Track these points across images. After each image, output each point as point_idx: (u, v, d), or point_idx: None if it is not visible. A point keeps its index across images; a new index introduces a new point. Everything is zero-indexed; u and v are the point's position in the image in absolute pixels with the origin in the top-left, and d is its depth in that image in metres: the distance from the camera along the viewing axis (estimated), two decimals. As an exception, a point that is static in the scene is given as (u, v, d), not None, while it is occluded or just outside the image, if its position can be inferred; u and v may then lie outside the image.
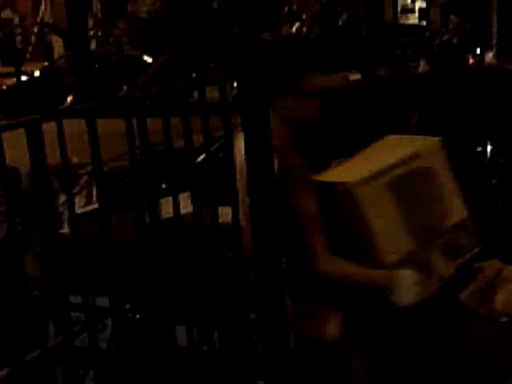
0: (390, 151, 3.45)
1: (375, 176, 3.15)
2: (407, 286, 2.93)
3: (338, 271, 2.93)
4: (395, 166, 3.24)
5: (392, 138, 3.70)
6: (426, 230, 3.28)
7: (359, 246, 3.06)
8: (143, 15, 18.38)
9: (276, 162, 2.55)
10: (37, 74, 13.79)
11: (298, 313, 2.69)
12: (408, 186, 3.25)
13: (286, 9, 13.52)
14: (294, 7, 13.56)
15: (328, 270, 2.88)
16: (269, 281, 2.58)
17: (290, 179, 2.80)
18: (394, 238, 3.11)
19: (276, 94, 2.87)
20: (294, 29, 13.66)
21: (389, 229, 3.10)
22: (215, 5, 12.86)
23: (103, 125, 3.34)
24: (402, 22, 21.94)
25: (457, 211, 3.42)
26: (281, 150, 2.68)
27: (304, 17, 13.67)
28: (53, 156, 2.29)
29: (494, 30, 16.67)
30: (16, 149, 2.71)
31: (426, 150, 3.45)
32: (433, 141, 3.54)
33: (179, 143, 2.70)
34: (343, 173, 3.21)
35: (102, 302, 2.61)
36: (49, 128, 2.20)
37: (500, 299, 3.42)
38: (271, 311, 2.61)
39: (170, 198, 2.68)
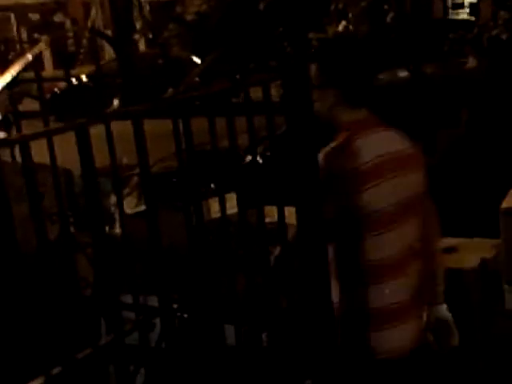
0: None
1: None
2: None
3: None
4: None
5: None
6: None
7: None
8: (191, 16, 18.52)
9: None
10: (84, 78, 14.01)
11: None
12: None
13: (332, 7, 13.43)
14: (340, 5, 13.46)
15: None
16: (314, 277, 2.59)
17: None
18: None
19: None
20: (340, 27, 13.57)
21: None
22: (261, 6, 12.89)
23: (153, 125, 3.37)
24: (452, 17, 21.65)
25: None
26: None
27: (350, 15, 13.57)
28: (105, 157, 2.34)
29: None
30: (70, 150, 2.77)
31: None
32: None
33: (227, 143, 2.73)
34: None
35: (153, 301, 2.65)
36: (103, 129, 2.24)
37: None
38: (317, 310, 2.62)
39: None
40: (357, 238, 2.74)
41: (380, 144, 2.77)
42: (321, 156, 2.66)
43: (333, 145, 2.78)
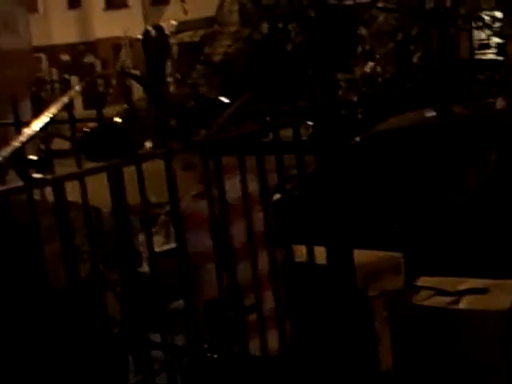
0: None
1: None
2: None
3: None
4: None
5: None
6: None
7: None
8: (218, 57, 18.70)
9: None
10: (117, 118, 14.22)
11: None
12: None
13: (360, 48, 13.50)
14: (367, 47, 13.52)
15: None
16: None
17: None
18: None
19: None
20: (367, 68, 13.62)
21: None
22: (289, 47, 12.99)
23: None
24: (478, 57, 21.63)
25: None
26: None
27: (377, 56, 13.62)
28: (132, 196, 2.36)
29: None
30: (97, 188, 2.79)
31: None
32: None
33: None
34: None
35: (181, 340, 2.63)
36: (129, 167, 2.26)
37: None
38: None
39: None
40: None
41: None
42: None
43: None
